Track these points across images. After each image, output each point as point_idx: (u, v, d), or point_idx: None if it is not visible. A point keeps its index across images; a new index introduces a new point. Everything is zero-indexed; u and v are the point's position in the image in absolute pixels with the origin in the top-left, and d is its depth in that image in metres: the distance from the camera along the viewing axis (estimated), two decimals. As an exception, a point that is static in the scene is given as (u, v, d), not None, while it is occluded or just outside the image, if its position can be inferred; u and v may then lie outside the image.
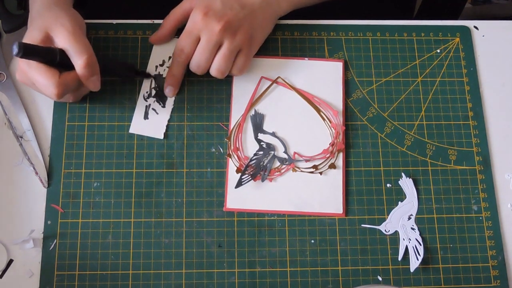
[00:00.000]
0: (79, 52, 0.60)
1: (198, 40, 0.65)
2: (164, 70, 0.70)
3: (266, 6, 0.68)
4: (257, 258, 0.64)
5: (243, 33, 0.66)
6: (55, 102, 0.69)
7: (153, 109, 0.69)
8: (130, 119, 0.68)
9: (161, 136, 0.68)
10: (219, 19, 0.64)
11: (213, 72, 0.67)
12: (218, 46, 0.65)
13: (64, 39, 0.60)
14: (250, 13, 0.67)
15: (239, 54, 0.67)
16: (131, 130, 0.68)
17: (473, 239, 0.66)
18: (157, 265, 0.63)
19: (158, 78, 0.70)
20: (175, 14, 0.68)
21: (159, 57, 0.71)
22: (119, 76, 0.70)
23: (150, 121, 0.68)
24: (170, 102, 0.69)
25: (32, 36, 0.61)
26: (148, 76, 0.70)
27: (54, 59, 0.60)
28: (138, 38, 0.72)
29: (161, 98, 0.69)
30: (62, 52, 0.61)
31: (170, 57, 0.71)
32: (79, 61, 0.60)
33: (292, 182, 0.67)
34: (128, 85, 0.70)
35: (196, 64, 0.66)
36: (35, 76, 0.60)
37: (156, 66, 0.70)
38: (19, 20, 0.71)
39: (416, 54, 0.73)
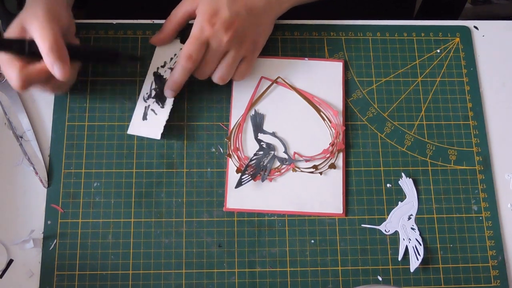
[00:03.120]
0: (43, 37, 0.58)
1: (205, 46, 0.64)
2: (165, 71, 0.70)
3: (269, 9, 0.68)
4: (257, 258, 0.64)
5: (248, 41, 0.66)
6: (55, 102, 0.69)
7: (152, 109, 0.69)
8: (130, 119, 0.68)
9: (158, 137, 0.67)
10: (227, 28, 0.63)
11: (215, 79, 0.67)
12: (224, 54, 0.65)
13: (33, 28, 0.59)
14: (255, 18, 0.66)
15: (242, 61, 0.67)
16: (129, 131, 0.68)
17: (473, 239, 0.66)
18: (157, 265, 0.63)
19: (159, 79, 0.70)
20: (176, 16, 0.68)
21: (161, 59, 0.71)
22: (102, 62, 0.70)
23: (148, 122, 0.68)
24: (169, 102, 0.69)
25: (9, 31, 0.61)
26: (135, 59, 0.70)
27: (23, 49, 0.59)
28: (138, 38, 0.72)
29: (160, 99, 0.69)
30: (32, 43, 0.59)
31: (171, 58, 0.71)
32: (42, 46, 0.58)
33: (292, 182, 0.67)
34: (128, 85, 0.70)
35: (202, 72, 0.66)
36: (2, 68, 0.60)
37: (158, 68, 0.70)
38: (19, 20, 0.71)
39: (416, 54, 0.73)
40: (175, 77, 0.66)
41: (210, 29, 0.63)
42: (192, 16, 0.66)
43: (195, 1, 0.66)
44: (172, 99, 0.69)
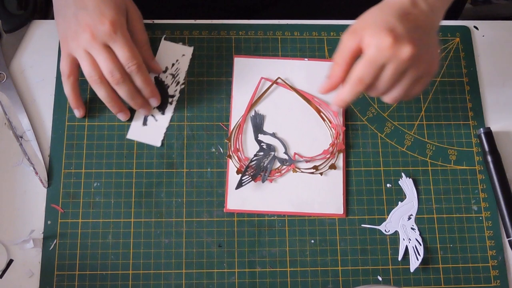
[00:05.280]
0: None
1: (380, 70, 0.58)
2: (167, 77, 0.70)
3: (433, 26, 0.62)
4: (257, 258, 0.64)
5: (425, 61, 0.59)
6: (55, 102, 0.69)
7: (152, 115, 0.69)
8: (130, 119, 0.68)
9: (159, 144, 0.67)
10: (408, 46, 0.56)
11: (388, 99, 0.62)
12: (402, 75, 0.59)
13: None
14: (427, 37, 0.60)
15: (417, 82, 0.61)
16: (129, 136, 0.68)
17: (473, 239, 0.66)
18: (157, 265, 0.63)
19: (160, 85, 0.70)
20: (343, 58, 0.60)
21: (163, 64, 0.70)
22: None
23: (148, 128, 0.68)
24: (170, 109, 0.69)
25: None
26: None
27: None
28: (138, 38, 0.72)
29: (161, 105, 0.69)
30: None
31: (173, 64, 0.70)
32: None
33: (293, 182, 0.67)
34: (128, 85, 0.70)
35: (374, 92, 0.61)
36: None
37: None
38: (19, 20, 0.71)
39: (416, 54, 0.73)
40: (343, 95, 0.61)
41: (390, 51, 0.56)
42: (358, 53, 0.59)
43: (356, 34, 0.58)
44: (173, 106, 0.69)
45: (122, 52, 0.62)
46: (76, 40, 0.63)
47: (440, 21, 0.63)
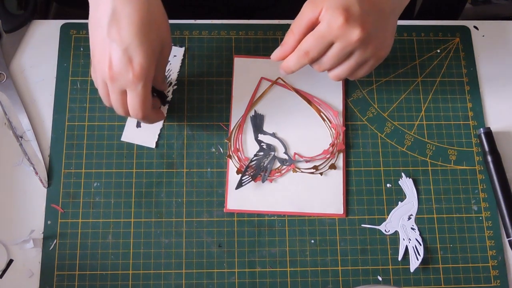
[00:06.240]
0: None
1: (328, 46, 0.58)
2: None
3: (394, 13, 0.61)
4: (257, 258, 0.64)
5: (375, 44, 0.59)
6: (55, 102, 0.69)
7: None
8: (123, 121, 0.68)
9: (153, 145, 0.67)
10: (358, 29, 0.56)
11: (331, 76, 0.62)
12: (349, 54, 0.59)
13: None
14: (384, 22, 0.59)
15: (364, 64, 0.60)
16: (123, 138, 0.68)
17: (473, 239, 0.66)
18: (157, 265, 0.63)
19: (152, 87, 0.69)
20: (299, 27, 0.59)
21: None
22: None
23: (142, 130, 0.68)
24: (163, 110, 0.68)
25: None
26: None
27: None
28: (138, 38, 0.72)
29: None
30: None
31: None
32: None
33: (293, 183, 0.67)
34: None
35: (320, 67, 0.61)
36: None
37: None
38: (19, 20, 0.71)
39: (416, 54, 0.73)
40: (288, 63, 0.60)
41: (340, 30, 0.56)
42: (316, 25, 0.58)
43: (316, 5, 0.57)
44: (166, 107, 0.69)
45: (133, 103, 0.59)
46: (99, 64, 0.58)
47: (404, 6, 0.62)
